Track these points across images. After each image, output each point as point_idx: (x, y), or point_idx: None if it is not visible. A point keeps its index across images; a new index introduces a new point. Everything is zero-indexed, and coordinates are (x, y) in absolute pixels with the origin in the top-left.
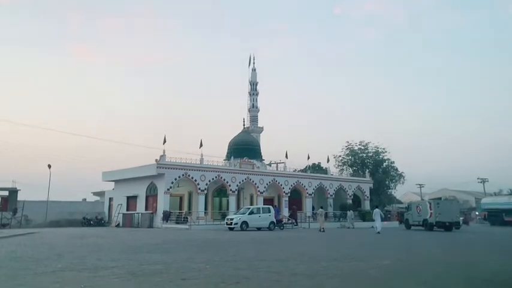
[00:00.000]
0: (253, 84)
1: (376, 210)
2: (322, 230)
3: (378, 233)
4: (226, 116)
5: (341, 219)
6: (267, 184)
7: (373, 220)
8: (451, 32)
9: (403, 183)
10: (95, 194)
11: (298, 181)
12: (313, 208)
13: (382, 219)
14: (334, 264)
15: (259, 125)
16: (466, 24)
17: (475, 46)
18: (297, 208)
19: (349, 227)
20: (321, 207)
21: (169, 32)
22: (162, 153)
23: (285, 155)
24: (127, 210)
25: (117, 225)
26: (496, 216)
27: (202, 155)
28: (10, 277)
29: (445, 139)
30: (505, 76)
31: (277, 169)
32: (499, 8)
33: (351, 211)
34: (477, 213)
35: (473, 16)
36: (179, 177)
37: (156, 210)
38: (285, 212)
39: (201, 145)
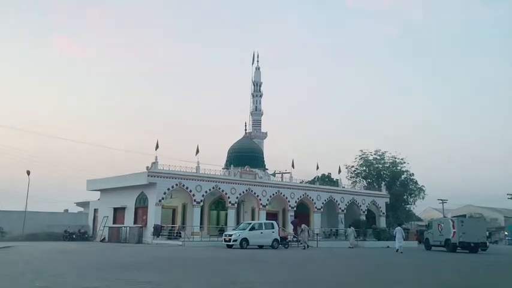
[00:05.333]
0: (257, 85)
1: (398, 228)
2: (305, 247)
3: (400, 252)
4: (226, 119)
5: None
6: (270, 196)
7: (388, 239)
8: (475, 28)
9: (423, 198)
10: (79, 204)
11: (305, 194)
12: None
13: (404, 239)
14: None
15: (262, 130)
16: (490, 19)
17: (500, 43)
18: (301, 222)
19: (350, 247)
20: (303, 224)
21: (163, 26)
22: (154, 160)
23: (291, 164)
24: (114, 223)
25: (103, 240)
26: None
27: (198, 163)
28: None
29: (472, 149)
30: None
31: (282, 180)
32: None
33: (352, 228)
34: (506, 233)
35: (496, 11)
36: (172, 187)
37: (146, 223)
38: (290, 228)
39: (197, 151)
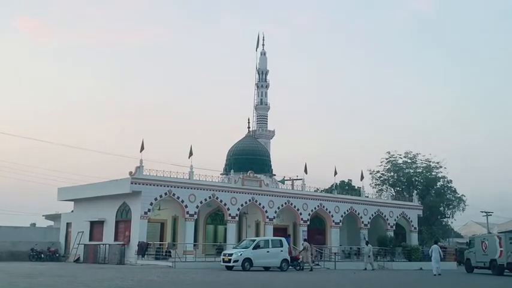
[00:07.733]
0: (262, 73)
1: (435, 247)
2: (311, 268)
3: (438, 274)
4: (225, 115)
5: (378, 257)
6: (278, 208)
7: (420, 260)
8: None
9: (463, 209)
10: (48, 217)
11: (321, 205)
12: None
13: (441, 259)
14: None
15: (269, 128)
16: None
17: None
18: (314, 239)
19: (366, 269)
20: (305, 240)
21: (149, 3)
22: (138, 164)
23: (303, 168)
24: (90, 240)
25: (77, 260)
26: None
27: (191, 168)
28: None
29: None
30: None
31: (292, 188)
32: None
33: (369, 245)
34: None
35: None
36: (161, 196)
37: (129, 240)
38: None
39: (190, 154)
